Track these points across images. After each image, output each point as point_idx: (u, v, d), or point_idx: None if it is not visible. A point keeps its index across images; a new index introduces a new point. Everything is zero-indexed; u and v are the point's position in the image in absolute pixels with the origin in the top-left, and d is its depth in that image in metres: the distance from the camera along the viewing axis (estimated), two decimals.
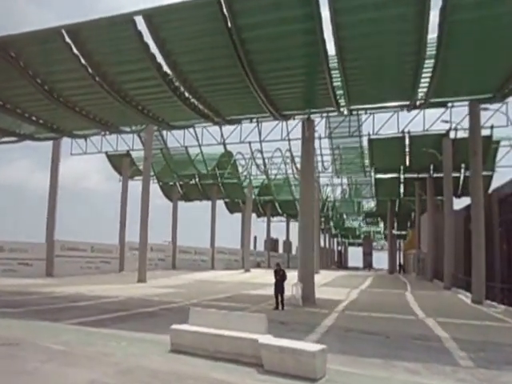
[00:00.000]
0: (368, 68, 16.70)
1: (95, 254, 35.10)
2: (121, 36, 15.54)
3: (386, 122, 32.58)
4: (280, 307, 17.34)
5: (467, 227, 34.64)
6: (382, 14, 13.82)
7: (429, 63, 16.29)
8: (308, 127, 20.62)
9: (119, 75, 17.93)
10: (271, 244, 64.34)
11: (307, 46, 15.52)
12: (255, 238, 61.93)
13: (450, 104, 31.44)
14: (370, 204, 61.97)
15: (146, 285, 27.49)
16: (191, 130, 35.87)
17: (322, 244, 77.84)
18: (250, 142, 35.49)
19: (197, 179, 46.11)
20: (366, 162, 39.71)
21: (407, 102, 19.87)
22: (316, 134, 38.57)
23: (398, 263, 60.98)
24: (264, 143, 36.98)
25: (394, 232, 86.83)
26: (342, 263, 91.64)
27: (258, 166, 39.85)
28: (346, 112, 21.19)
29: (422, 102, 19.78)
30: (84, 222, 71.94)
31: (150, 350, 8.87)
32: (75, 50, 16.33)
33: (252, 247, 58.15)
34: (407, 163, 36.46)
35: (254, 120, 34.30)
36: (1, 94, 19.88)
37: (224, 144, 35.75)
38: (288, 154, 41.35)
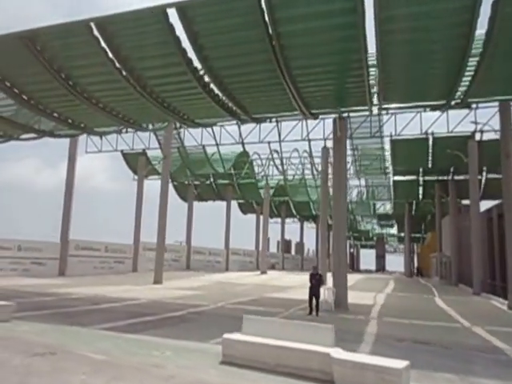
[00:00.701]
0: (409, 64, 16.03)
1: (109, 254, 34.61)
2: (151, 29, 14.98)
3: (408, 122, 32.17)
4: (314, 313, 16.76)
5: (490, 230, 34.03)
6: (428, 8, 13.21)
7: (472, 61, 15.66)
8: (340, 126, 19.93)
9: (146, 70, 17.34)
10: (284, 245, 63.71)
11: (346, 41, 14.90)
12: (268, 239, 61.18)
13: (474, 105, 31.20)
14: (385, 206, 61.17)
15: (162, 286, 26.93)
16: (209, 129, 35.51)
17: None
18: (269, 142, 34.99)
19: (211, 179, 45.52)
20: (387, 163, 39.05)
21: (443, 102, 19.19)
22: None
23: (414, 266, 59.91)
24: (280, 144, 36.65)
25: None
26: (354, 266, 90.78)
27: (276, 166, 39.19)
28: (375, 111, 20.47)
29: (459, 101, 19.06)
30: (91, 222, 71.51)
31: (200, 362, 8.27)
32: (103, 44, 15.82)
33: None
34: (429, 165, 35.66)
35: (274, 120, 34.22)
36: (24, 88, 19.37)
37: (243, 143, 35.29)
38: (305, 154, 40.98)
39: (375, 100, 18.85)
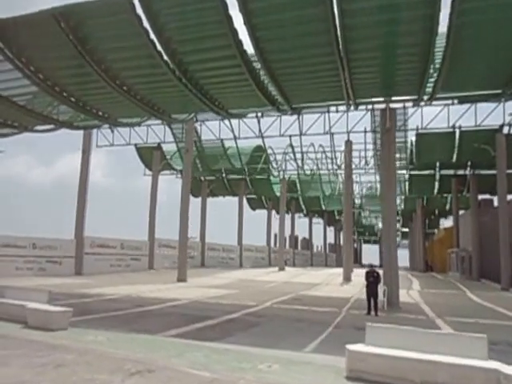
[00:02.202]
0: (480, 49, 14.75)
1: (125, 252, 33.12)
2: (207, 22, 13.82)
3: (436, 115, 31.01)
4: (373, 313, 15.57)
5: None
6: None
7: None
8: (390, 116, 18.66)
9: (187, 55, 15.98)
10: (290, 241, 62.52)
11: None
12: (275, 235, 59.93)
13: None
14: None
15: (188, 284, 25.56)
16: (227, 122, 34.13)
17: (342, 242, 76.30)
18: (290, 136, 33.65)
19: (223, 174, 44.12)
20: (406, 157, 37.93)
21: (499, 91, 18.00)
22: (361, 128, 36.99)
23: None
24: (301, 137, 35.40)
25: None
26: (357, 261, 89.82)
27: (296, 160, 37.89)
28: (423, 101, 19.14)
29: None
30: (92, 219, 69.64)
31: (321, 377, 6.99)
32: (146, 24, 14.42)
33: (272, 245, 56.21)
34: (453, 159, 34.55)
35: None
36: (50, 74, 17.84)
37: (262, 137, 33.99)
38: (321, 149, 39.68)
39: (429, 89, 17.57)
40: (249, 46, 15.10)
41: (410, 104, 21.45)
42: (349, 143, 32.43)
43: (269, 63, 15.86)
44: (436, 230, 68.63)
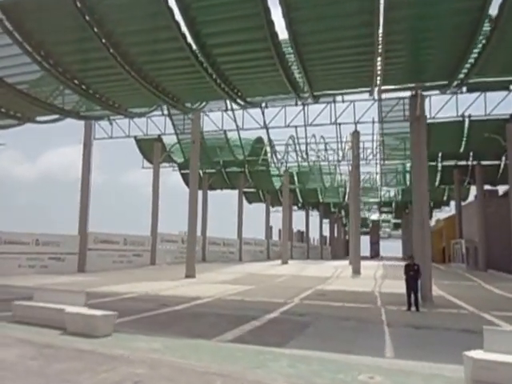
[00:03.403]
0: None
1: (127, 247, 31.87)
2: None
3: (444, 104, 30.38)
4: (413, 308, 14.74)
5: None
6: None
7: None
8: (421, 103, 17.78)
9: (214, 37, 14.86)
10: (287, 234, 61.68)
11: None
12: (271, 228, 59.08)
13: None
14: (389, 193, 59.63)
15: (198, 281, 24.40)
16: (230, 113, 33.07)
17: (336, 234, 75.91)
18: (296, 127, 32.74)
19: (222, 167, 42.95)
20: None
21: None
22: (369, 118, 36.11)
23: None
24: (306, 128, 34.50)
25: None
26: (348, 252, 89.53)
27: (301, 152, 36.92)
28: (452, 88, 18.22)
29: None
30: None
31: None
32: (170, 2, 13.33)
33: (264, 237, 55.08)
34: (461, 149, 33.97)
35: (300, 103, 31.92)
36: (62, 59, 16.54)
37: (267, 128, 33.02)
38: (321, 140, 38.79)
39: (462, 74, 16.70)
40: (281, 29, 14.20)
41: (434, 92, 20.67)
42: (356, 133, 31.57)
43: (300, 46, 14.82)
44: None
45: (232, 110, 32.92)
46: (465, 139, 32.43)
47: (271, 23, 13.76)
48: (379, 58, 15.34)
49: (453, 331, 11.24)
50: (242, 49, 15.24)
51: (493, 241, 35.83)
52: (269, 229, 53.65)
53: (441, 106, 30.45)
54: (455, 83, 17.60)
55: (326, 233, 74.14)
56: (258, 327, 11.02)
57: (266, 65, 16.02)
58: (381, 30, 13.81)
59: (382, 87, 17.76)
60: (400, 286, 23.23)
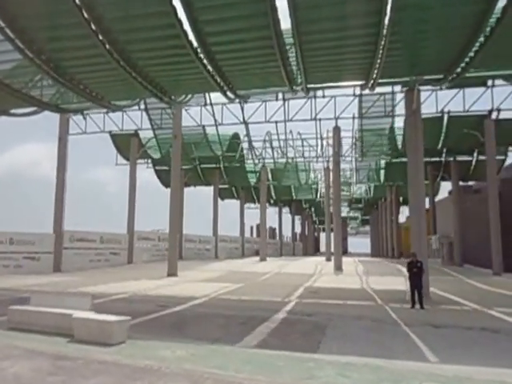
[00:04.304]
0: None
1: (104, 246, 30.48)
2: None
3: (424, 100, 30.29)
4: (418, 306, 14.33)
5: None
6: None
7: None
8: (417, 97, 17.40)
9: (212, 24, 13.98)
10: (258, 231, 61.07)
11: None
12: (240, 224, 58.12)
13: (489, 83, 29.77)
14: (360, 190, 59.87)
15: (182, 279, 23.38)
16: (209, 108, 32.15)
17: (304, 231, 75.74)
18: (276, 122, 32.10)
19: (197, 163, 41.83)
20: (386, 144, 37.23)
21: None
22: (349, 114, 35.80)
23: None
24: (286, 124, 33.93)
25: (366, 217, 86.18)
26: (318, 249, 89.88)
27: (272, 148, 36.29)
28: (448, 81, 17.87)
29: None
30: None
31: None
32: None
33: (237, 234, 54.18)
34: (439, 145, 34.12)
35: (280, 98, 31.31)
36: (46, 46, 15.32)
37: (246, 123, 32.26)
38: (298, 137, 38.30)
39: (459, 68, 16.38)
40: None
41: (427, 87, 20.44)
42: (337, 129, 31.22)
43: (302, 35, 14.12)
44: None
45: (211, 104, 32.03)
46: (443, 135, 32.54)
47: (275, 9, 13.02)
48: (381, 51, 14.84)
49: (475, 330, 10.81)
50: (243, 37, 14.46)
51: (468, 236, 36.25)
52: (243, 226, 52.86)
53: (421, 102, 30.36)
54: (451, 77, 17.33)
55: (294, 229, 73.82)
56: (274, 329, 10.29)
57: (265, 55, 15.30)
58: (386, 21, 13.30)
59: (379, 80, 17.25)
60: (388, 283, 23.17)
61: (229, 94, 18.81)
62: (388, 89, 30.14)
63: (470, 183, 42.02)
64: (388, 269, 33.91)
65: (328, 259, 40.76)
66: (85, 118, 32.89)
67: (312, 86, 18.85)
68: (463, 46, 14.73)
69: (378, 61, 15.54)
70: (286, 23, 13.84)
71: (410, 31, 14.32)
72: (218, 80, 17.09)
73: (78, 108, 21.92)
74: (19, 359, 6.81)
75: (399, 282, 24.47)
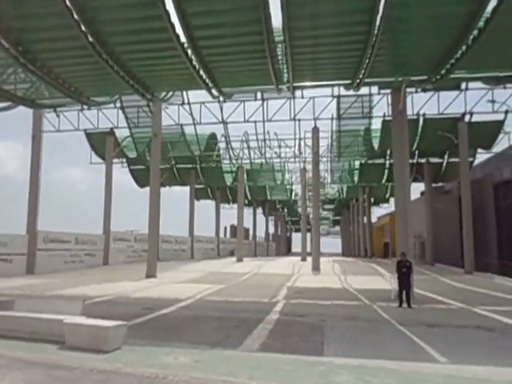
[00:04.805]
0: None
1: (80, 247, 29.35)
2: None
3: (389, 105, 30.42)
4: (405, 305, 14.12)
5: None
6: None
7: None
8: (404, 96, 17.22)
9: (199, 17, 13.41)
10: (232, 231, 60.61)
11: None
12: (215, 225, 57.40)
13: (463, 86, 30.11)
14: (333, 190, 59.97)
15: (163, 280, 22.59)
16: (186, 107, 31.47)
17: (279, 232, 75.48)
18: (255, 122, 31.67)
19: (173, 163, 40.95)
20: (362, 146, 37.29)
21: None
22: (328, 115, 35.69)
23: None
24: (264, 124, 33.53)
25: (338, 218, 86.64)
26: (290, 249, 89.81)
27: (259, 147, 35.81)
28: (432, 82, 17.71)
29: None
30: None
31: None
32: None
33: (211, 234, 53.40)
34: (414, 147, 34.31)
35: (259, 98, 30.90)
36: (23, 36, 14.41)
37: (224, 123, 31.72)
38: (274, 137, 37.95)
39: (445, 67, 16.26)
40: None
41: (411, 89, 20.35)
42: (316, 129, 31.01)
43: (293, 31, 13.68)
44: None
45: (189, 104, 31.38)
46: (418, 137, 32.75)
47: (267, 3, 12.58)
48: (370, 50, 14.57)
49: (469, 328, 10.65)
50: (232, 31, 13.89)
51: (439, 235, 36.62)
52: (219, 226, 52.22)
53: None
54: (434, 79, 17.21)
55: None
56: (271, 331, 9.81)
57: (254, 51, 14.79)
58: (378, 19, 13.03)
59: (365, 80, 16.99)
60: (367, 282, 23.05)
61: (213, 91, 18.25)
62: (365, 90, 30.21)
63: (440, 184, 42.53)
64: (363, 268, 33.98)
65: (303, 259, 40.60)
66: (58, 116, 31.81)
67: (298, 84, 18.49)
68: (450, 47, 14.60)
69: (367, 60, 15.31)
70: (276, 20, 13.49)
71: (400, 30, 14.07)
72: (204, 76, 16.51)
73: (54, 104, 20.89)
74: (9, 370, 6.13)
75: (377, 281, 24.54)
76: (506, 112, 29.56)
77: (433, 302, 15.90)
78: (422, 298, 16.67)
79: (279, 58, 15.83)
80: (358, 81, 17.25)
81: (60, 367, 6.31)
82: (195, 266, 32.76)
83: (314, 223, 31.42)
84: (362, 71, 16.26)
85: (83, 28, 13.47)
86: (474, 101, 30.40)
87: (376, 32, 13.56)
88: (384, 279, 25.59)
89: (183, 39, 14.07)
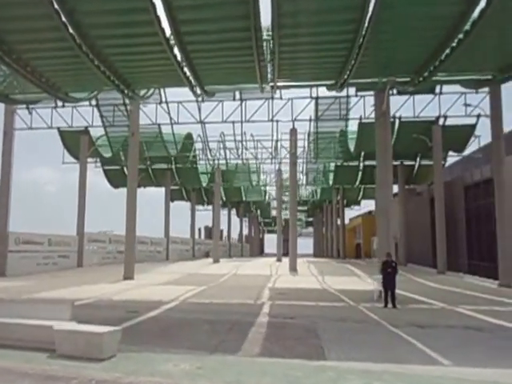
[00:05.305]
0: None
1: (53, 248, 28.24)
2: None
3: (371, 106, 30.55)
4: (391, 305, 13.94)
5: (434, 211, 33.84)
6: None
7: None
8: (387, 98, 17.13)
9: (185, 11, 12.93)
10: (206, 232, 59.93)
11: None
12: (191, 226, 56.58)
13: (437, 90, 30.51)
14: (306, 192, 59.99)
15: (141, 282, 21.80)
16: (164, 106, 30.81)
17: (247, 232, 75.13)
18: (233, 122, 31.24)
19: (149, 163, 39.99)
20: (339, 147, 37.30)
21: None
22: (305, 117, 35.52)
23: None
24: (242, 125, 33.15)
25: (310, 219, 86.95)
26: (262, 251, 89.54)
27: (236, 148, 35.36)
28: (414, 85, 17.61)
29: None
30: None
31: None
32: None
33: (184, 236, 52.52)
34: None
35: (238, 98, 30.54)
36: (3, 26, 13.59)
37: (202, 122, 31.21)
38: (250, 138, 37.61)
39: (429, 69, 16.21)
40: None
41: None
42: (294, 131, 30.81)
43: (282, 29, 13.36)
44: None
45: (166, 102, 30.72)
46: (394, 140, 32.90)
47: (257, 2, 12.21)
48: (357, 50, 14.39)
49: (459, 329, 10.57)
50: (220, 27, 13.50)
51: (411, 236, 36.98)
52: (194, 227, 51.40)
53: (374, 108, 30.55)
54: (417, 81, 17.17)
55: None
56: (266, 335, 9.40)
57: (240, 48, 14.44)
58: (367, 19, 12.85)
59: (350, 81, 16.82)
60: (345, 283, 22.91)
61: (196, 89, 17.78)
62: (343, 92, 30.19)
63: (412, 186, 43.01)
64: (339, 269, 34.00)
65: (279, 260, 40.39)
66: (30, 113, 30.56)
67: (282, 84, 18.19)
68: (436, 49, 14.57)
69: (353, 61, 15.14)
70: (263, 17, 13.12)
71: (388, 30, 13.93)
72: (188, 73, 16.04)
73: (28, 99, 19.94)
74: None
75: (355, 281, 24.51)
76: (478, 116, 29.96)
77: (415, 302, 15.80)
78: (404, 299, 16.55)
79: (265, 56, 15.49)
80: (343, 81, 17.10)
81: (55, 378, 5.76)
82: (172, 268, 32.05)
83: (292, 224, 31.19)
84: (347, 72, 16.09)
85: (63, 19, 12.80)
86: (448, 104, 30.80)
87: (364, 32, 13.37)
88: (361, 280, 25.60)
89: (169, 34, 13.59)
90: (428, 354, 7.92)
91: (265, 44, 14.85)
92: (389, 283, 14.17)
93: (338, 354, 7.79)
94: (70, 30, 13.29)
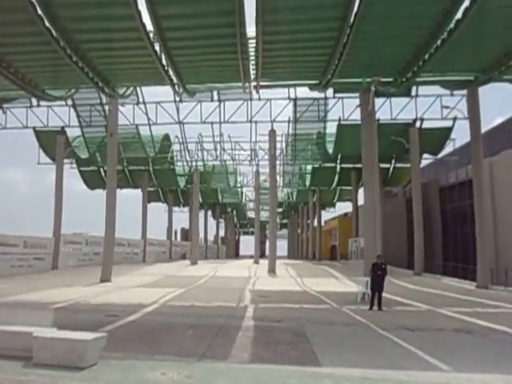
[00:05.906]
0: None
1: (28, 250, 27.10)
2: None
3: (356, 108, 30.46)
4: (377, 307, 13.64)
5: (410, 213, 33.99)
6: None
7: None
8: (373, 98, 16.91)
9: (168, 6, 12.45)
10: (183, 234, 59.02)
11: None
12: (167, 228, 55.60)
13: (413, 93, 30.65)
14: (282, 194, 59.62)
15: (119, 285, 20.99)
16: (142, 107, 30.11)
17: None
18: (212, 123, 30.72)
19: (125, 165, 39.04)
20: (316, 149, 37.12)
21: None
22: (285, 118, 35.09)
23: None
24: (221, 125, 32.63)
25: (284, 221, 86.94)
26: (237, 253, 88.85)
27: (215, 149, 34.78)
28: (397, 85, 17.43)
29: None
30: None
31: None
32: None
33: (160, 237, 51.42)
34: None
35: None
36: None
37: (181, 123, 30.62)
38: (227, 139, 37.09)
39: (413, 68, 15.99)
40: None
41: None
42: (273, 132, 30.47)
43: (266, 25, 12.94)
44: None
45: (144, 103, 30.03)
46: None
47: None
48: (341, 49, 14.12)
49: (449, 331, 10.30)
50: (203, 23, 13.04)
51: (387, 238, 36.98)
52: (171, 229, 50.50)
53: (352, 110, 30.43)
54: (400, 81, 17.00)
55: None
56: (254, 339, 8.93)
57: (224, 45, 14.03)
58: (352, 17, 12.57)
59: (335, 79, 16.52)
60: (325, 285, 22.64)
61: (178, 88, 17.25)
62: (321, 94, 30.02)
63: (387, 189, 43.16)
64: (316, 271, 33.83)
65: (256, 262, 39.99)
66: (5, 112, 29.51)
67: (264, 83, 17.78)
68: (420, 48, 14.42)
69: (336, 61, 14.87)
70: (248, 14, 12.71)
71: (372, 29, 13.66)
72: (170, 71, 15.49)
73: (1, 97, 19.00)
74: None
75: (334, 283, 24.34)
76: (455, 119, 30.21)
77: (398, 304, 15.61)
78: (387, 301, 16.29)
79: (250, 54, 15.07)
80: (326, 81, 16.82)
81: None
82: (149, 270, 31.28)
83: (271, 226, 30.85)
84: (331, 71, 15.81)
85: (39, 11, 12.15)
86: (425, 107, 30.91)
87: (348, 30, 13.11)
88: (339, 281, 25.44)
89: (150, 29, 13.07)
90: (424, 358, 7.55)
91: (249, 42, 14.43)
92: (378, 285, 13.88)
93: (331, 358, 7.37)
94: (47, 24, 12.65)
